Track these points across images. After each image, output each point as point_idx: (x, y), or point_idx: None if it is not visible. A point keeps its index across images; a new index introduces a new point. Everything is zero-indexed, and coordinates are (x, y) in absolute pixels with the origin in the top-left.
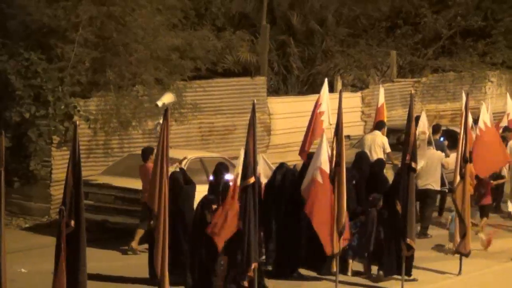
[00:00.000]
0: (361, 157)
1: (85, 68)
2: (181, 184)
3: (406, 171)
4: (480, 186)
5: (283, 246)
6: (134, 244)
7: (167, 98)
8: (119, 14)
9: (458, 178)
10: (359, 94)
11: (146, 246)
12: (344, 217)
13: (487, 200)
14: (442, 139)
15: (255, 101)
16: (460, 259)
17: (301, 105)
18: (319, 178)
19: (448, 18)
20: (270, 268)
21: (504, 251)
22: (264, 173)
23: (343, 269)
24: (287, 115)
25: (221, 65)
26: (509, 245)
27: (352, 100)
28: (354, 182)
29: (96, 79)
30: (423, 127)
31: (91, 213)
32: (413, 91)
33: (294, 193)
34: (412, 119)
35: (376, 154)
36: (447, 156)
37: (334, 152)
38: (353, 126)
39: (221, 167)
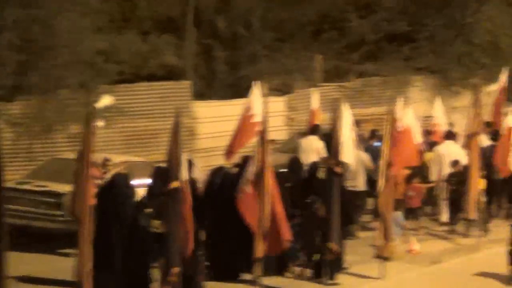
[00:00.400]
0: (295, 161)
1: (9, 72)
2: (121, 187)
3: (331, 175)
4: (409, 189)
5: (223, 248)
6: None
7: (106, 101)
8: (45, 17)
9: (382, 182)
10: (284, 98)
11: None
12: (268, 221)
13: (416, 203)
14: (377, 143)
15: (180, 105)
16: (383, 263)
17: (226, 109)
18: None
19: (374, 22)
20: (209, 271)
21: (426, 255)
22: (198, 176)
23: (280, 271)
24: (212, 119)
25: (146, 69)
26: (431, 248)
27: (277, 105)
28: (289, 185)
29: (21, 82)
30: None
31: (14, 218)
32: (338, 96)
33: (233, 196)
34: (337, 124)
35: (312, 158)
36: None
37: (258, 156)
38: (277, 131)
39: (159, 171)
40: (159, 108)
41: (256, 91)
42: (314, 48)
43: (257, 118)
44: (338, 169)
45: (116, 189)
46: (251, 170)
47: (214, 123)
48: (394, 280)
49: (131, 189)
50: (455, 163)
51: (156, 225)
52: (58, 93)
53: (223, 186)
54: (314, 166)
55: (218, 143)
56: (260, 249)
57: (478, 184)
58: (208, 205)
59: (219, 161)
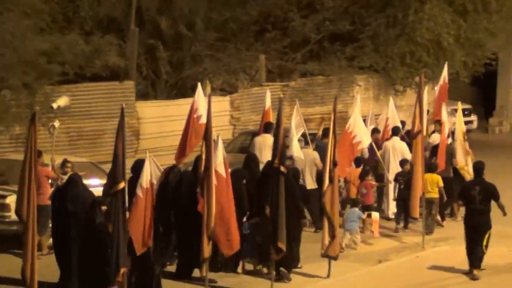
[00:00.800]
0: (251, 158)
1: None
2: (78, 187)
3: (276, 175)
4: (362, 186)
5: (183, 247)
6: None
7: (62, 101)
8: None
9: (327, 182)
10: (228, 98)
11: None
12: (214, 221)
13: (369, 201)
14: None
15: (124, 105)
16: (329, 262)
17: (170, 109)
18: (215, 181)
19: (316, 22)
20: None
21: (373, 253)
22: (154, 175)
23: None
24: (156, 119)
25: (90, 69)
26: (378, 247)
27: (221, 104)
28: (244, 181)
29: None
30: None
31: None
32: (281, 95)
33: (191, 194)
34: (281, 123)
35: (267, 156)
36: None
37: (203, 156)
38: (222, 130)
39: None
40: (103, 108)
41: (200, 91)
42: (258, 48)
43: (204, 119)
44: (283, 168)
45: (73, 189)
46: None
47: (158, 123)
48: (339, 279)
49: (87, 189)
50: (403, 162)
51: None
52: (0, 94)
53: (180, 186)
54: (269, 164)
55: (161, 143)
56: (206, 249)
57: (422, 182)
58: (165, 204)
59: (164, 161)
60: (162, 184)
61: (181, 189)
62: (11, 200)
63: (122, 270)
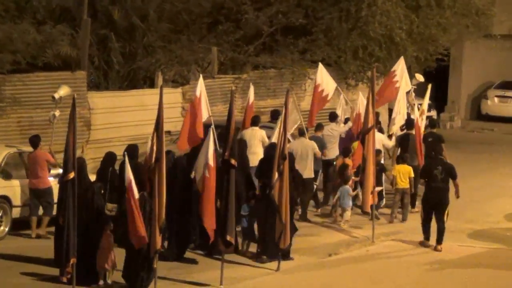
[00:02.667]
0: (242, 145)
1: None
2: (83, 170)
3: (226, 168)
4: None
5: (175, 229)
6: (41, 231)
7: (63, 90)
8: None
9: (276, 175)
10: (179, 90)
11: None
12: (164, 213)
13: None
14: (322, 135)
15: (75, 95)
16: (279, 255)
17: (122, 100)
18: (207, 174)
19: (269, 15)
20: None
21: (323, 247)
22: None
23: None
24: (108, 110)
25: (41, 59)
26: (328, 241)
27: (173, 96)
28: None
29: None
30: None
31: None
32: (233, 88)
33: (184, 179)
34: (232, 115)
35: (256, 147)
36: None
37: (154, 147)
38: (173, 122)
39: (110, 157)
40: None
41: (201, 81)
42: (210, 40)
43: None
44: (233, 161)
45: (80, 173)
46: (203, 163)
47: (109, 114)
48: (289, 272)
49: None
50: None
51: (110, 208)
52: None
53: (174, 170)
54: (272, 147)
55: (113, 134)
56: (158, 241)
57: (372, 176)
58: None
59: (115, 152)
60: None
61: (175, 174)
62: None
63: (72, 260)
